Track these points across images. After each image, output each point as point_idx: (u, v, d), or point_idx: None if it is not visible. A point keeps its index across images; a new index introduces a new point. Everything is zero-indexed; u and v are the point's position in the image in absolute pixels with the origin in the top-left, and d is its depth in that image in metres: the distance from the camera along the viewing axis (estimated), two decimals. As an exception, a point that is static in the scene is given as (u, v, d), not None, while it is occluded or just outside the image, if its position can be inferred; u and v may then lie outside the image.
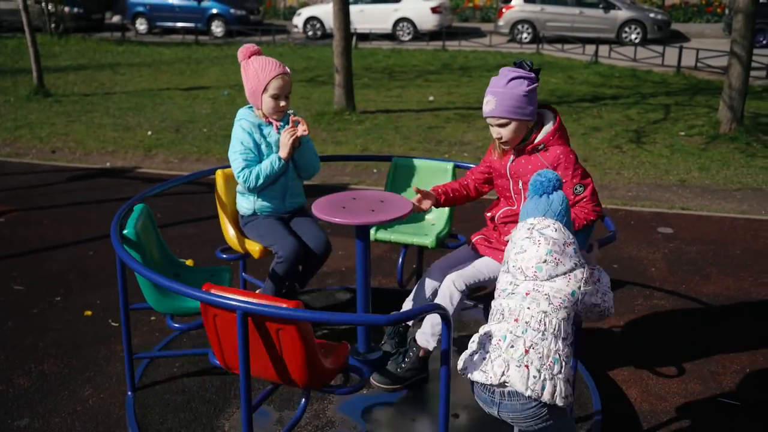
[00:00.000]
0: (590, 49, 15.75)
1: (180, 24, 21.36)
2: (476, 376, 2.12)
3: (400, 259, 3.69)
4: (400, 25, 20.02)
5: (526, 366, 2.07)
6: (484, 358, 2.14)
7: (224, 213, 3.35)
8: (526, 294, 2.16)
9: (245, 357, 2.15)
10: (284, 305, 2.05)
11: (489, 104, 2.66)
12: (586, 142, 8.01)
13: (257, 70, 3.10)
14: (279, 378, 2.30)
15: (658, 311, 3.91)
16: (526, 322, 2.12)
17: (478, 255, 2.90)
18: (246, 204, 3.24)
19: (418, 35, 19.56)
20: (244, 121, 3.16)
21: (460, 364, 2.20)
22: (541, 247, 2.17)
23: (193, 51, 17.08)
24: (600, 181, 6.54)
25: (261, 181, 3.09)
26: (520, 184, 2.76)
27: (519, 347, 2.09)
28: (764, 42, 17.49)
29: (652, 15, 18.92)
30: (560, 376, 2.09)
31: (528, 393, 2.05)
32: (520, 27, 19.31)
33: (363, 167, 6.97)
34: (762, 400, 3.08)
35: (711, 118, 8.81)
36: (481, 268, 2.81)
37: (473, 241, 2.95)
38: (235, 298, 2.11)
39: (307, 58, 15.71)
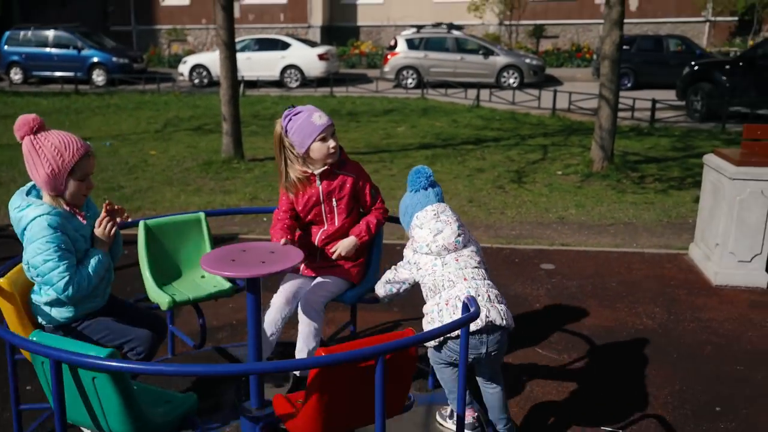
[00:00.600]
0: (472, 93, 16.39)
1: (58, 73, 20.67)
2: (471, 327, 2.62)
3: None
4: (288, 72, 20.17)
5: (495, 306, 2.77)
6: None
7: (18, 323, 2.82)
8: (456, 260, 2.84)
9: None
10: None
11: (323, 117, 3.11)
12: (471, 183, 8.29)
13: (59, 149, 2.60)
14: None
15: (543, 345, 4.07)
16: (473, 278, 2.81)
17: (313, 278, 3.31)
18: (58, 312, 2.76)
19: (306, 82, 19.77)
20: (48, 218, 2.59)
21: (432, 343, 2.81)
22: (453, 224, 2.89)
23: (72, 101, 16.53)
24: (485, 221, 6.78)
25: (93, 283, 2.71)
26: (334, 203, 3.23)
27: (483, 294, 2.77)
28: (629, 85, 18.78)
29: (527, 60, 19.94)
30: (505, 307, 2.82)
31: (504, 324, 2.75)
32: (405, 73, 19.87)
33: (252, 216, 6.93)
34: (644, 428, 3.26)
35: (585, 157, 9.33)
36: (328, 286, 3.23)
37: (302, 270, 3.32)
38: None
39: (193, 106, 15.53)
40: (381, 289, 3.10)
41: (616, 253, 5.76)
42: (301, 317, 3.19)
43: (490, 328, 2.73)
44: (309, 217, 3.27)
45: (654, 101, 13.15)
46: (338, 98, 16.89)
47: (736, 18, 26.13)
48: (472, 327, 2.66)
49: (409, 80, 19.76)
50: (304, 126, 3.11)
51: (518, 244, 6.03)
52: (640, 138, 11.30)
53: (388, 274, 3.06)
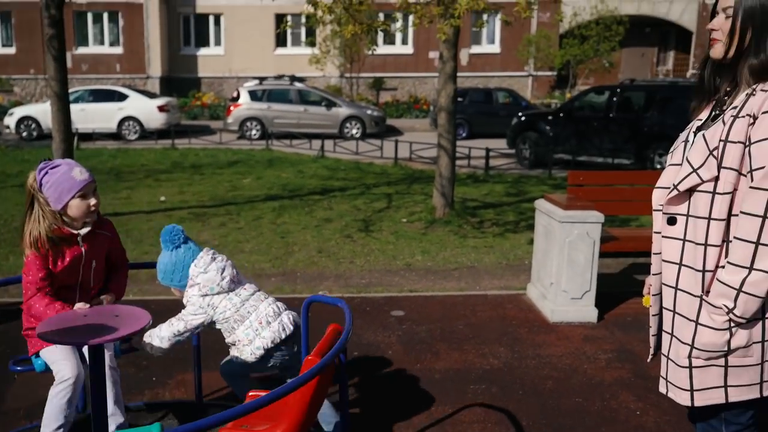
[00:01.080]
0: (317, 144, 16.62)
1: None
2: (282, 335, 3.22)
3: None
4: (126, 123, 19.52)
5: (290, 313, 3.35)
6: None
7: None
8: (245, 289, 3.28)
9: None
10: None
11: (85, 172, 3.02)
12: (320, 233, 8.36)
13: None
14: None
15: (396, 392, 4.14)
16: (265, 298, 3.33)
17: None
18: None
19: (146, 134, 19.19)
20: None
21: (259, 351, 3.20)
22: (227, 261, 3.30)
23: None
24: (335, 271, 6.85)
25: None
26: (94, 264, 3.16)
27: (282, 307, 3.34)
28: (464, 135, 19.84)
29: (369, 112, 20.57)
30: None
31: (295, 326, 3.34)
32: (249, 124, 19.83)
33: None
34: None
35: (427, 204, 9.71)
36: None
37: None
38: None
39: (22, 161, 14.58)
40: (167, 343, 3.16)
41: (461, 296, 6.00)
42: (108, 384, 3.06)
43: (292, 333, 3.28)
44: (66, 279, 3.08)
45: (487, 150, 13.96)
46: (180, 150, 16.51)
47: (554, 73, 28.47)
48: (284, 336, 3.23)
49: (254, 131, 19.73)
50: (63, 180, 2.95)
51: (368, 293, 6.13)
52: (477, 185, 11.92)
53: (174, 328, 3.15)
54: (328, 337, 2.91)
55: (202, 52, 28.60)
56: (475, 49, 28.52)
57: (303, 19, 24.95)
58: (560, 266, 5.25)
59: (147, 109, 19.50)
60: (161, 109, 19.62)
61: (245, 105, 19.94)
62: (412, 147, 15.23)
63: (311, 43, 27.20)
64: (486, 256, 7.40)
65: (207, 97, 26.43)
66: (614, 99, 14.00)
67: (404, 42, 28.43)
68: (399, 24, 10.57)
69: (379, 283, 6.48)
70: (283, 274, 6.75)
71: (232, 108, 20.06)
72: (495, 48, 28.75)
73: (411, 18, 7.58)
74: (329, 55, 26.52)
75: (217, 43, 28.72)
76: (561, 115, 14.82)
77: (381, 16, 18.50)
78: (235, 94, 20.48)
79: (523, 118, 15.46)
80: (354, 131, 19.96)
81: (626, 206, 6.13)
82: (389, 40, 27.02)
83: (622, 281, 6.44)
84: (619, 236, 5.66)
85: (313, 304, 3.43)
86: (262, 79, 21.68)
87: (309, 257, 7.31)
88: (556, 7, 15.96)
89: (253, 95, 20.17)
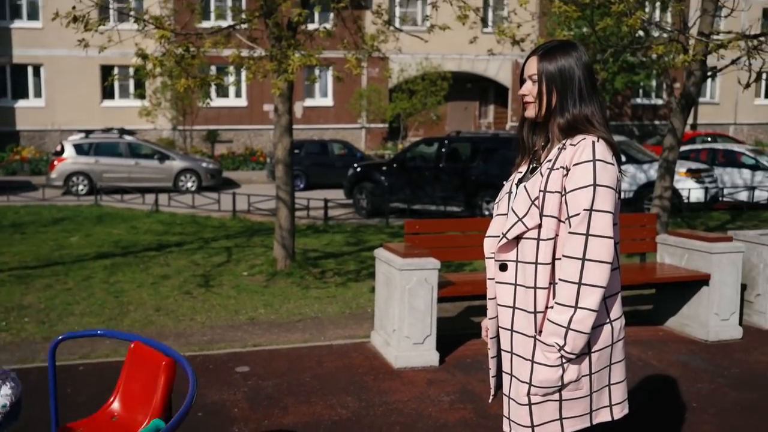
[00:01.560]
0: (150, 198, 16.06)
1: None
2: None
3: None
4: (-69, 181, 17.84)
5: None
6: None
7: None
8: None
9: None
10: None
11: None
12: (157, 291, 8.05)
13: None
14: None
15: (246, 450, 4.05)
16: None
17: None
18: None
19: (-45, 191, 17.63)
20: None
21: None
22: None
23: None
24: (174, 329, 6.61)
25: None
26: None
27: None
28: (302, 186, 20.02)
29: (204, 164, 20.24)
30: None
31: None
32: (75, 179, 18.86)
33: None
34: None
35: (268, 256, 9.65)
36: None
37: None
38: None
39: None
40: None
41: (306, 348, 6.00)
42: None
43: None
44: None
45: (326, 201, 14.16)
46: (-3, 208, 15.32)
47: (386, 125, 29.58)
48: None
49: (80, 186, 18.76)
50: None
51: (211, 350, 5.98)
52: (317, 235, 12.03)
53: None
54: (162, 392, 2.71)
55: (21, 104, 26.91)
56: (309, 102, 29.02)
57: (131, 71, 24.28)
58: (401, 313, 5.41)
59: (-43, 165, 18.00)
60: (-26, 164, 18.19)
61: (70, 159, 18.95)
62: (250, 199, 15.12)
63: (141, 96, 26.43)
64: (329, 306, 7.46)
65: (27, 151, 24.83)
66: (443, 150, 14.75)
67: (238, 95, 28.37)
68: (233, 78, 10.57)
69: (222, 339, 6.34)
70: (118, 337, 6.41)
71: (55, 162, 18.99)
72: (328, 101, 29.41)
73: (244, 72, 7.63)
74: (160, 107, 25.90)
75: (37, 94, 27.17)
76: (394, 165, 15.38)
77: (214, 69, 18.43)
78: (58, 148, 19.43)
79: (358, 169, 15.87)
80: (189, 184, 19.52)
81: (460, 252, 6.45)
82: (223, 92, 26.85)
83: (460, 324, 6.73)
84: (456, 281, 5.93)
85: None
86: (88, 132, 20.71)
87: (146, 316, 7.01)
88: (384, 64, 16.76)
89: (79, 149, 19.23)
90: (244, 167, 25.84)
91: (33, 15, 26.73)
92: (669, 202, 9.16)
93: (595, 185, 2.24)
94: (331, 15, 9.59)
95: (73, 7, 6.99)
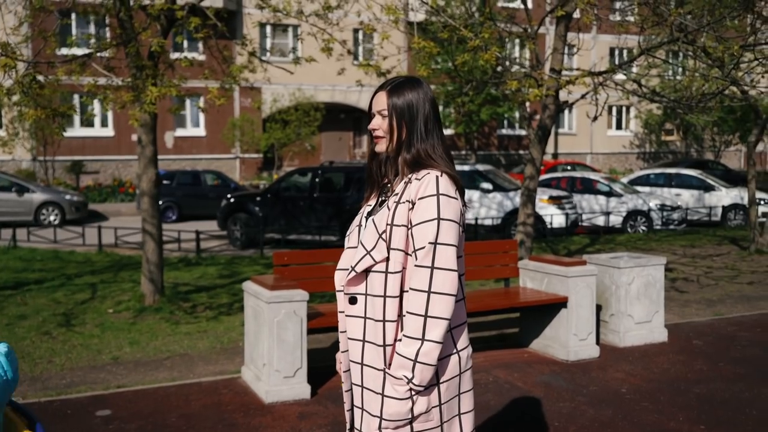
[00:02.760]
0: (7, 233, 15.10)
1: None
2: None
3: None
4: None
5: None
6: None
7: None
8: None
9: None
10: None
11: None
12: (12, 332, 7.56)
13: None
14: None
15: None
16: None
17: None
18: None
19: None
20: None
21: None
22: None
23: None
24: (30, 374, 6.23)
25: None
26: None
27: None
28: (174, 218, 19.46)
29: (68, 197, 19.28)
30: None
31: None
32: None
33: None
34: None
35: (136, 292, 9.29)
36: None
37: None
38: None
39: None
40: None
41: (173, 386, 5.81)
42: None
43: None
44: None
45: (198, 232, 13.83)
46: None
47: (261, 155, 29.35)
48: None
49: (-74, 222, 17.35)
50: None
51: (70, 394, 5.67)
52: (189, 268, 11.71)
53: None
54: None
55: None
56: (181, 132, 28.35)
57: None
58: (271, 346, 5.36)
59: None
60: None
61: None
62: (117, 232, 14.53)
63: (-4, 125, 24.91)
64: (200, 342, 7.27)
65: None
66: (317, 180, 14.80)
67: (104, 124, 27.29)
68: (91, 108, 10.20)
69: (83, 382, 6.03)
70: (-35, 385, 5.96)
71: None
72: (200, 131, 28.85)
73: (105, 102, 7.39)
74: (18, 137, 24.49)
75: None
76: (269, 196, 15.26)
77: (76, 98, 17.69)
78: None
79: (232, 200, 15.62)
80: (51, 218, 18.52)
81: (331, 282, 6.45)
82: (88, 122, 25.77)
83: (333, 354, 6.74)
84: (326, 312, 5.94)
85: None
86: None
87: (-2, 362, 6.55)
88: (255, 94, 16.65)
89: (-75, 182, 17.83)
90: (112, 199, 24.83)
91: None
92: (532, 228, 9.63)
93: (439, 219, 2.31)
94: (200, 45, 9.47)
95: None
